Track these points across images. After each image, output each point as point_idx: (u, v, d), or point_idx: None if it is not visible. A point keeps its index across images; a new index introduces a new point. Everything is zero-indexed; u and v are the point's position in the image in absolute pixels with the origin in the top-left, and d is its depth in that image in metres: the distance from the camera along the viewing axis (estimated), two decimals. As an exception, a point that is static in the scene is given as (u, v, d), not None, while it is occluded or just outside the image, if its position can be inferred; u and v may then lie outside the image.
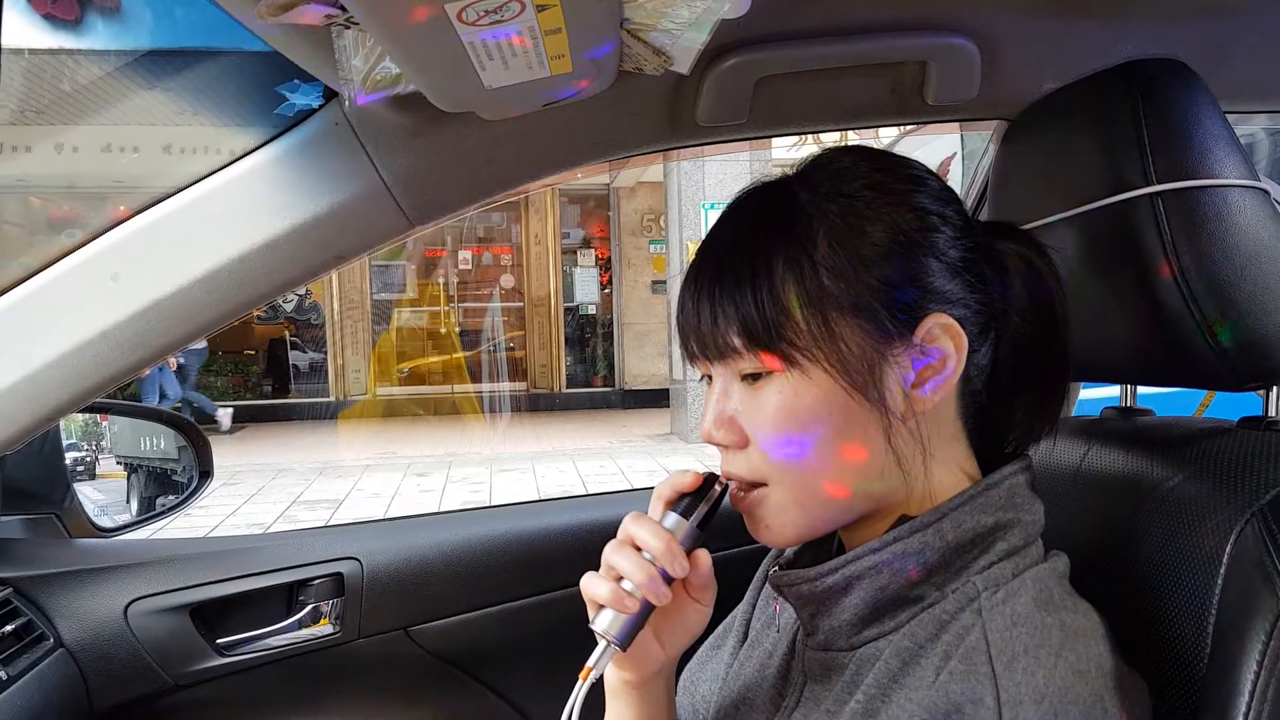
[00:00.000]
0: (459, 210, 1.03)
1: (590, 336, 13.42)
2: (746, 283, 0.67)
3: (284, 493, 7.36)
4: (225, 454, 9.15)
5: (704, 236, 0.75)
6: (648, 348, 12.81)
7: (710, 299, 0.69)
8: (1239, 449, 0.73)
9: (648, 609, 0.71)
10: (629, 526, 0.72)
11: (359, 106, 0.85)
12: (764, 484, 0.70)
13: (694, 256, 0.74)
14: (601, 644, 0.71)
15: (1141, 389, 0.98)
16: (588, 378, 13.38)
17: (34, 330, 0.91)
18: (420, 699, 1.36)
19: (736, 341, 0.68)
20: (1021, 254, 0.74)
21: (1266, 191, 0.77)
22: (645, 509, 0.75)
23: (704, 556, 0.73)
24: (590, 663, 0.71)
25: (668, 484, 0.75)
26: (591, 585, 0.72)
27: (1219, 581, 0.66)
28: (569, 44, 0.69)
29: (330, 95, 0.92)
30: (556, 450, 9.20)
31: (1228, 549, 0.66)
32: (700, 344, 0.71)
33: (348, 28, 0.71)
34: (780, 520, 0.71)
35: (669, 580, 0.71)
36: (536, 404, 12.86)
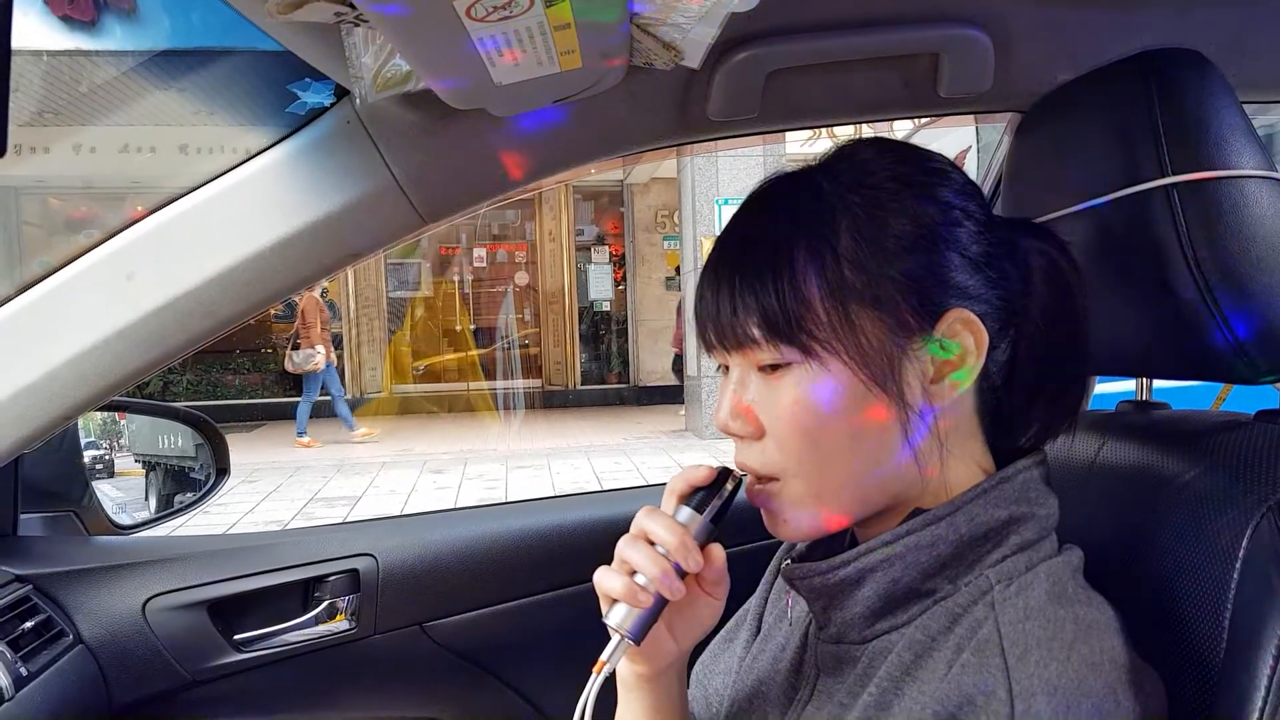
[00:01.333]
0: (471, 207, 1.03)
1: (605, 333, 13.44)
2: (767, 273, 0.67)
3: (302, 489, 7.40)
4: (244, 452, 9.22)
5: (724, 226, 0.74)
6: (662, 344, 12.80)
7: (730, 289, 0.69)
8: (1255, 442, 0.72)
9: (661, 603, 0.71)
10: (642, 521, 0.72)
11: (370, 104, 0.85)
12: (778, 477, 0.70)
13: (713, 245, 0.73)
14: (615, 638, 0.71)
15: (1157, 383, 0.97)
16: (602, 374, 13.40)
17: (51, 329, 0.92)
18: (436, 694, 1.37)
19: (756, 332, 0.68)
20: (1043, 250, 0.73)
21: (1284, 182, 0.76)
22: (658, 504, 0.75)
23: (717, 551, 0.73)
24: (604, 657, 0.71)
25: (681, 478, 0.75)
26: (605, 579, 0.72)
27: (1235, 575, 0.66)
28: (578, 39, 0.69)
29: (341, 93, 0.92)
30: (571, 446, 9.22)
31: (1244, 543, 0.66)
32: (719, 334, 0.71)
33: (357, 25, 0.71)
34: (797, 514, 0.71)
35: (682, 574, 0.70)
36: (551, 401, 12.90)
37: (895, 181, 0.69)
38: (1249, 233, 0.73)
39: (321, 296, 12.73)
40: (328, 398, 10.05)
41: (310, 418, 9.84)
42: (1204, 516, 0.70)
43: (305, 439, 9.70)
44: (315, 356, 9.35)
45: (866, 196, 0.68)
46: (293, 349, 9.63)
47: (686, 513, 0.72)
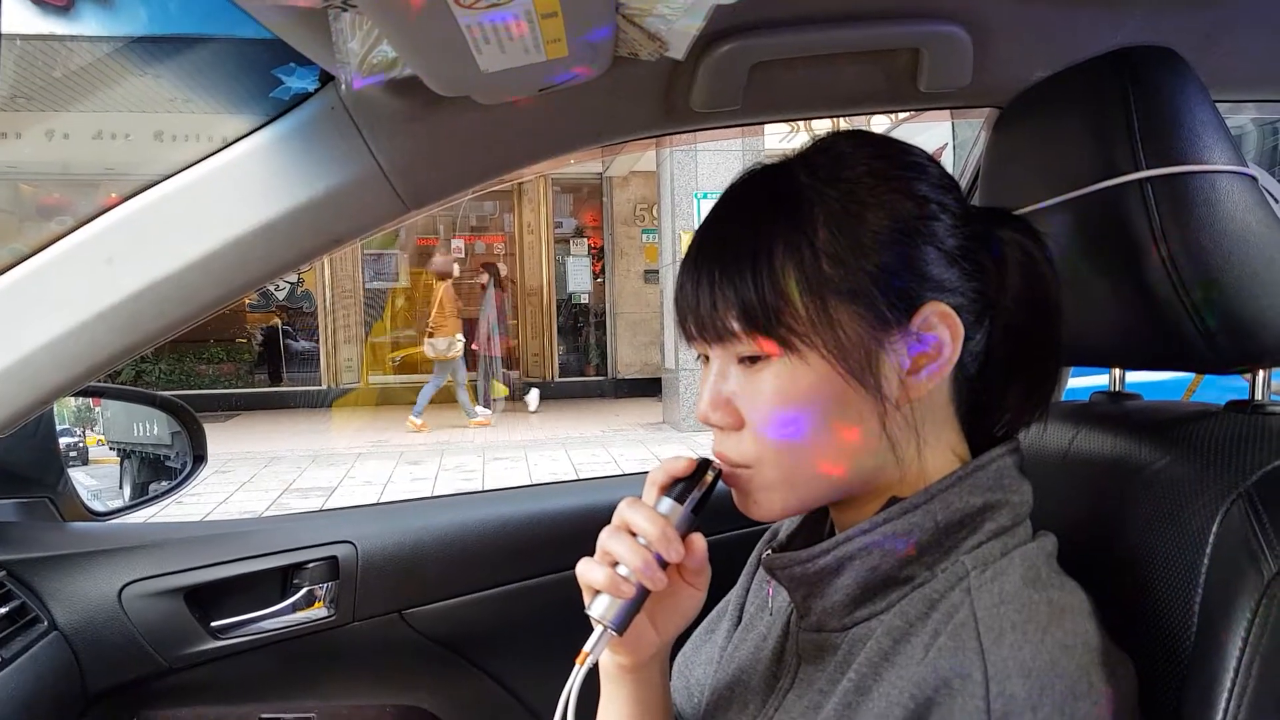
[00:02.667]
0: (455, 195, 1.03)
1: (583, 325, 13.43)
2: (747, 267, 0.68)
3: (276, 480, 7.35)
4: (218, 442, 9.13)
5: (704, 217, 0.74)
6: (640, 337, 12.81)
7: (710, 282, 0.69)
8: (1226, 431, 0.74)
9: (643, 594, 0.71)
10: (624, 512, 0.73)
11: (355, 91, 0.85)
12: (755, 465, 0.71)
13: (694, 237, 0.74)
14: (598, 629, 0.71)
15: (1129, 377, 0.99)
16: (580, 367, 13.39)
17: (29, 313, 0.91)
18: (414, 682, 1.37)
19: (735, 325, 0.68)
20: (1019, 242, 0.74)
21: (1254, 178, 0.78)
22: (638, 494, 0.75)
23: (698, 541, 0.73)
24: (587, 648, 0.71)
25: (661, 469, 0.76)
26: (587, 571, 0.72)
27: (1205, 561, 0.67)
28: (565, 28, 0.69)
29: (327, 79, 0.92)
30: (549, 438, 9.20)
31: (1214, 528, 0.67)
32: (699, 326, 0.71)
33: (344, 10, 0.71)
34: (769, 497, 0.72)
35: (664, 565, 0.71)
36: (529, 393, 12.86)
37: (872, 175, 0.69)
38: (1220, 227, 0.75)
39: (296, 287, 12.65)
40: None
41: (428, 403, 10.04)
42: (1175, 503, 0.72)
43: (419, 420, 9.94)
44: (457, 344, 9.88)
45: (844, 190, 0.68)
46: (430, 337, 10.04)
47: (667, 504, 0.73)
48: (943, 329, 0.68)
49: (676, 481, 0.74)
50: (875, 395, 0.68)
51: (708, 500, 0.74)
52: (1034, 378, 0.76)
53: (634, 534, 0.72)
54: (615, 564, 0.71)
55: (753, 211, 0.71)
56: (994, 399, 0.76)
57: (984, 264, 0.72)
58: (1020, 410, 0.76)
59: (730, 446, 0.72)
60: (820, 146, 0.73)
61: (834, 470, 0.70)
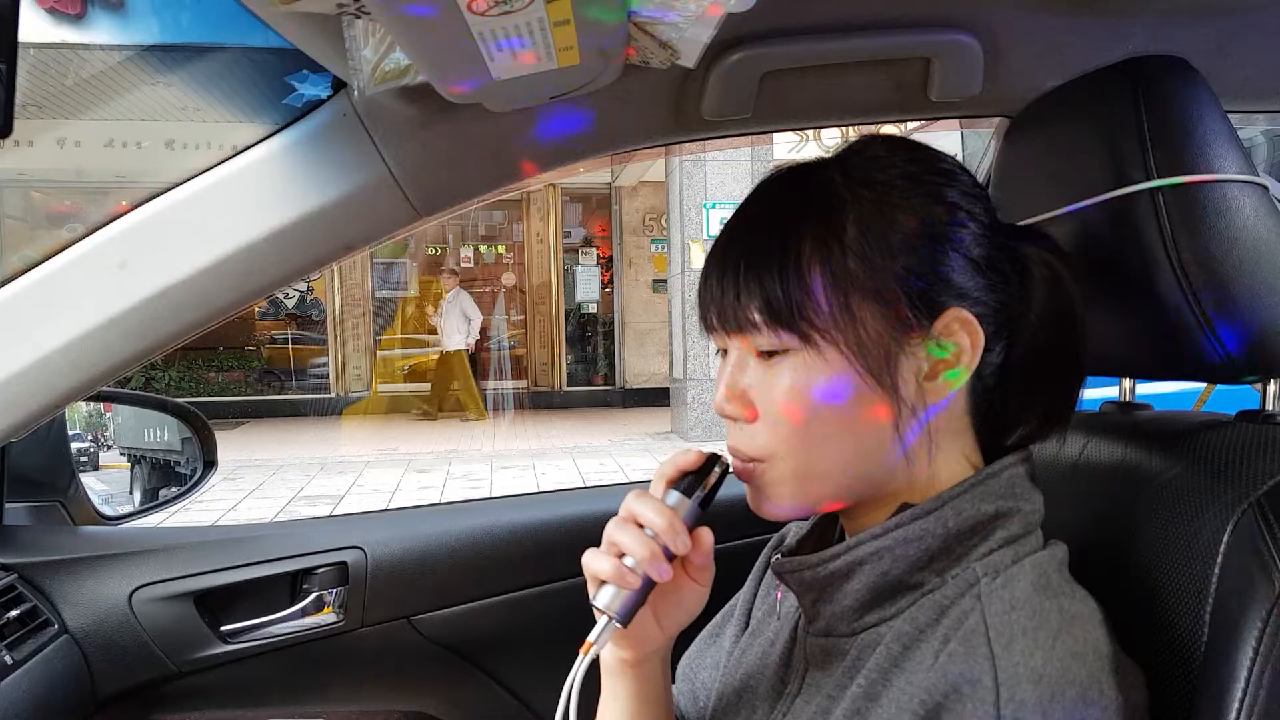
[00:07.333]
0: (466, 201, 1.03)
1: (591, 335, 13.43)
2: (774, 260, 0.68)
3: (285, 487, 7.37)
4: (227, 448, 9.15)
5: (734, 211, 0.75)
6: (648, 346, 12.81)
7: (735, 273, 0.70)
8: (1236, 441, 0.73)
9: (649, 585, 0.72)
10: (631, 504, 0.73)
11: (367, 97, 0.86)
12: (766, 459, 0.71)
13: (722, 230, 0.74)
14: (602, 620, 0.72)
15: (1139, 389, 0.98)
16: (588, 376, 13.39)
17: (42, 317, 0.92)
18: (423, 688, 1.37)
19: (757, 317, 0.69)
20: (1046, 260, 0.74)
21: (1266, 187, 0.78)
22: None
23: (705, 534, 0.74)
24: (591, 638, 0.72)
25: (670, 463, 0.76)
26: (594, 561, 0.73)
27: (1216, 570, 0.67)
28: (577, 36, 0.69)
29: (339, 86, 0.93)
30: (557, 447, 9.21)
31: (1225, 538, 0.67)
32: (720, 317, 0.72)
33: (358, 17, 0.71)
34: (778, 493, 0.72)
35: (670, 557, 0.71)
36: (537, 402, 12.87)
37: (905, 179, 0.70)
38: (1231, 236, 0.75)
39: (305, 296, 12.70)
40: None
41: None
42: (1185, 513, 0.72)
43: None
44: None
45: (877, 192, 0.69)
46: None
47: (675, 496, 0.73)
48: (963, 336, 0.69)
49: (685, 475, 0.75)
50: (891, 396, 0.68)
51: (715, 494, 0.74)
52: (1055, 395, 0.76)
53: (641, 525, 0.72)
54: (622, 555, 0.72)
55: (784, 207, 0.72)
56: (1013, 413, 0.76)
57: (1009, 276, 0.72)
58: (1039, 426, 0.76)
59: (744, 440, 0.72)
60: (855, 148, 0.74)
61: (843, 469, 0.70)
